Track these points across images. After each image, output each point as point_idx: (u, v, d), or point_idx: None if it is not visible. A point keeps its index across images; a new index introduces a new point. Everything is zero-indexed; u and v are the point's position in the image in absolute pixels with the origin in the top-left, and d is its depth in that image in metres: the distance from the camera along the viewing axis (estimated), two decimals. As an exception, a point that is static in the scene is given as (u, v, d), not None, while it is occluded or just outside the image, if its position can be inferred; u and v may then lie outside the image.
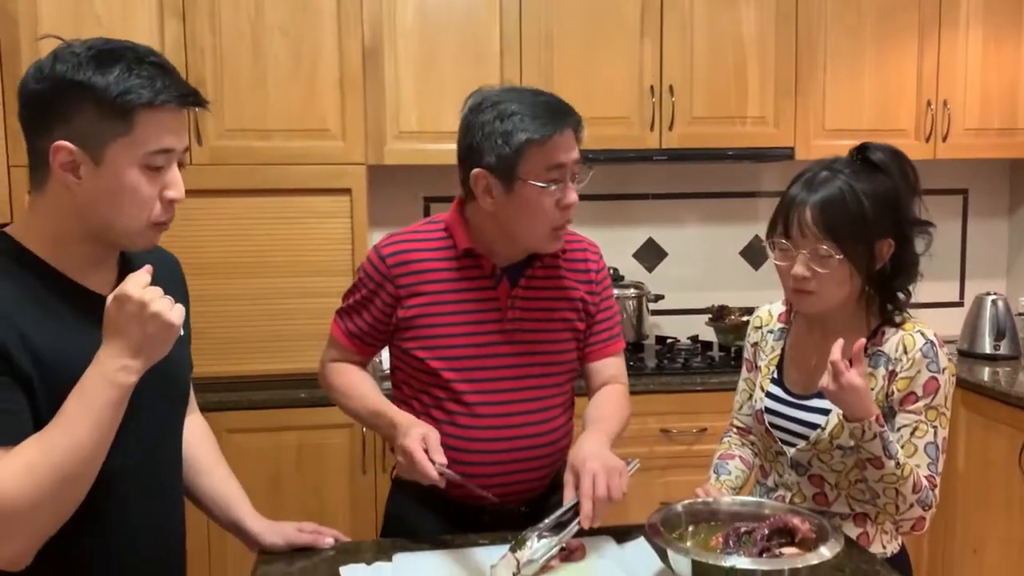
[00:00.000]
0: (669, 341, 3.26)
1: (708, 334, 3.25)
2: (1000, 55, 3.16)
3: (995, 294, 3.17)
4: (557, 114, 1.56)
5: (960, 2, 3.12)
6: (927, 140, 3.15)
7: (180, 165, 1.23)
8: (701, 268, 3.41)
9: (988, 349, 3.12)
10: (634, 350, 3.15)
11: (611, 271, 3.16)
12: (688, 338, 3.29)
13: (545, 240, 1.62)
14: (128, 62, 1.15)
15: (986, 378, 2.86)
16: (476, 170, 1.57)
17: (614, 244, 3.35)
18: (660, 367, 2.99)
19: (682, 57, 3.00)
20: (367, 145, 2.82)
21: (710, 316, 3.22)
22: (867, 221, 1.49)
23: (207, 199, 2.67)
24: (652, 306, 3.29)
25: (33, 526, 1.08)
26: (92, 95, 1.13)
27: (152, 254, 1.29)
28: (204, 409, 1.61)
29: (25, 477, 1.06)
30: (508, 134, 1.52)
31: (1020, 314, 3.41)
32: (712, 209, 3.42)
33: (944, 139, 3.15)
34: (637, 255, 3.42)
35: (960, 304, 3.54)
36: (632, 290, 3.19)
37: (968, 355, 3.16)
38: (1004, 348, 3.11)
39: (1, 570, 1.09)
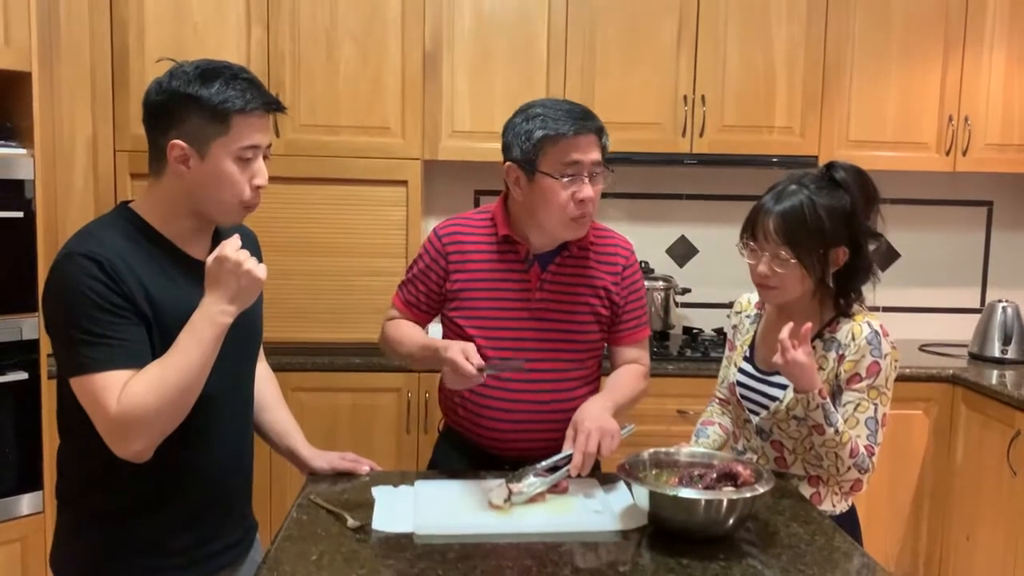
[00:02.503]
0: (694, 332, 3.52)
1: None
2: (1023, 73, 3.31)
3: (1006, 301, 3.34)
4: (576, 118, 1.83)
5: (985, 21, 3.28)
6: (947, 153, 3.33)
7: (265, 158, 1.55)
8: (729, 265, 3.62)
9: (996, 353, 3.30)
10: (660, 338, 3.42)
11: (642, 264, 3.47)
12: (713, 330, 3.54)
13: (564, 228, 1.88)
14: (226, 78, 1.48)
15: (994, 381, 3.04)
16: (507, 163, 1.88)
17: (648, 240, 3.62)
18: (681, 354, 3.26)
19: (715, 69, 3.25)
20: (424, 142, 3.15)
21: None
22: (823, 232, 1.75)
23: (282, 185, 3.01)
24: (682, 299, 3.55)
25: (155, 428, 1.42)
26: (199, 104, 1.46)
27: (237, 229, 1.62)
28: (274, 369, 1.93)
29: (151, 390, 1.39)
30: (530, 132, 1.83)
31: (1036, 322, 3.57)
32: (742, 211, 3.59)
33: (964, 153, 3.33)
34: (669, 251, 3.68)
35: (979, 311, 3.69)
36: (661, 283, 3.46)
37: (977, 358, 3.35)
38: (1012, 352, 3.28)
39: (128, 461, 1.43)
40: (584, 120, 1.84)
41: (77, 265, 1.42)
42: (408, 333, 2.00)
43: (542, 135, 1.81)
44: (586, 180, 1.84)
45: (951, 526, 3.14)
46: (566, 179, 1.82)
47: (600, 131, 1.87)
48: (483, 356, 1.89)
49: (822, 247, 1.75)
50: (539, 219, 1.89)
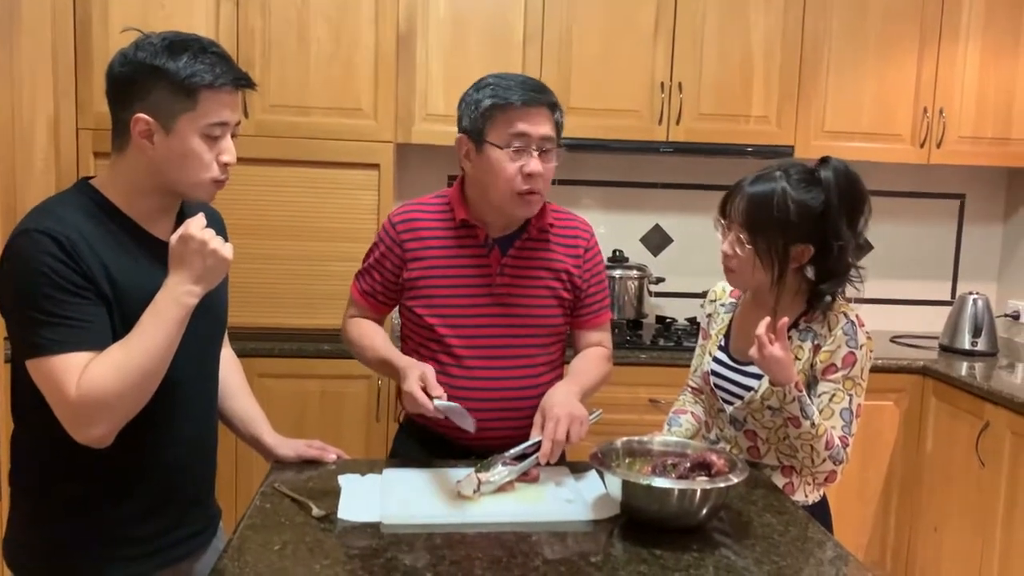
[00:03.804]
0: (667, 321, 3.51)
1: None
2: (997, 67, 3.33)
3: (977, 294, 3.36)
4: (527, 89, 1.78)
5: (961, 15, 3.29)
6: (922, 145, 3.34)
7: (233, 136, 1.50)
8: (704, 255, 3.63)
9: (967, 345, 3.32)
10: (633, 327, 3.41)
11: (617, 252, 3.44)
12: (686, 319, 3.53)
13: (512, 204, 1.82)
14: (194, 51, 1.42)
15: (963, 372, 3.06)
16: (458, 135, 1.84)
17: (622, 228, 3.60)
18: (654, 343, 3.24)
19: (692, 57, 3.22)
20: (396, 125, 3.10)
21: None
22: (786, 225, 1.71)
23: (251, 167, 2.94)
24: (655, 288, 3.53)
25: (117, 412, 1.37)
26: (166, 77, 1.40)
27: (202, 208, 1.57)
28: (240, 355, 1.88)
29: (113, 373, 1.34)
30: (479, 101, 1.79)
31: (1006, 315, 3.61)
32: (717, 200, 3.58)
33: (938, 145, 3.34)
34: (644, 239, 3.66)
35: (950, 303, 3.72)
36: (635, 271, 3.44)
37: (948, 350, 3.37)
38: (981, 344, 3.31)
39: (88, 447, 1.38)
40: (535, 92, 1.79)
41: (34, 242, 1.36)
42: (368, 337, 1.94)
43: (490, 104, 1.78)
44: (535, 154, 1.79)
45: (919, 517, 3.16)
46: (512, 150, 1.77)
47: (553, 106, 1.82)
48: (446, 344, 1.87)
49: (782, 240, 1.72)
50: (489, 195, 1.84)
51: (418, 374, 1.69)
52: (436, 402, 1.65)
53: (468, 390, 1.87)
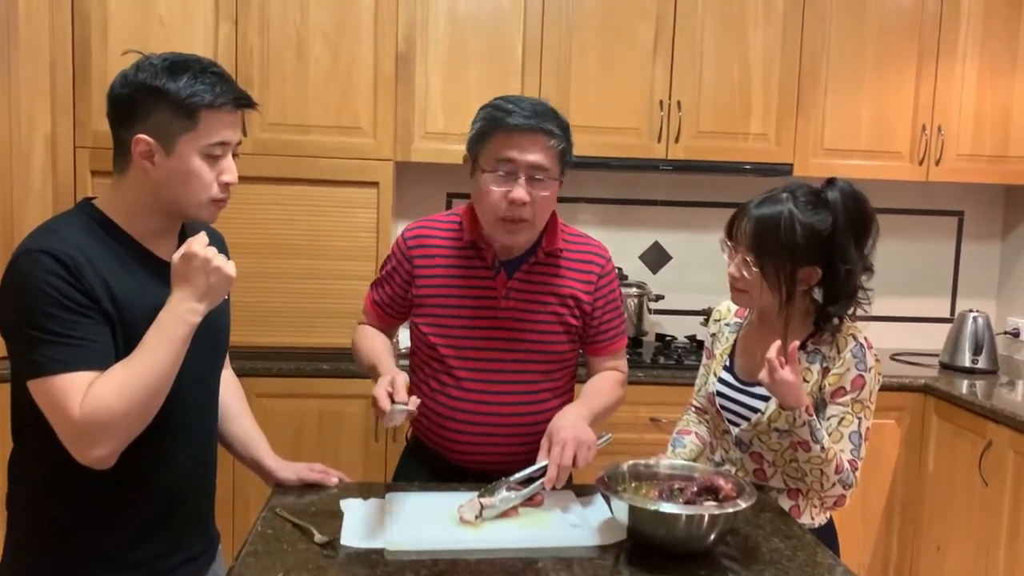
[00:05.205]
0: (667, 339, 3.50)
1: (704, 333, 3.48)
2: (994, 85, 3.33)
3: (977, 311, 3.36)
4: (526, 116, 1.72)
5: (958, 33, 3.30)
6: (920, 163, 3.34)
7: (234, 155, 1.49)
8: (703, 272, 3.63)
9: (967, 363, 3.31)
10: (633, 345, 3.38)
11: (616, 270, 3.42)
12: (686, 337, 3.52)
13: (496, 229, 1.80)
14: (194, 71, 1.42)
15: (964, 390, 3.05)
16: (465, 154, 1.84)
17: (622, 245, 3.59)
18: (655, 361, 3.22)
19: (691, 75, 3.22)
20: (396, 143, 3.09)
21: (704, 317, 3.44)
22: (793, 248, 1.70)
23: (250, 185, 2.90)
24: (655, 305, 3.52)
25: (121, 432, 1.35)
26: (166, 97, 1.40)
27: (203, 227, 1.56)
28: (238, 374, 1.87)
29: (117, 392, 1.33)
30: (476, 122, 1.79)
31: (1006, 333, 3.60)
32: (716, 218, 3.63)
33: (937, 163, 3.34)
34: (643, 257, 3.65)
35: (950, 320, 3.71)
36: (634, 289, 3.43)
37: (948, 367, 3.36)
38: (982, 362, 3.30)
39: (87, 468, 1.36)
40: (533, 118, 1.72)
41: (36, 262, 1.35)
42: (368, 340, 1.93)
43: (482, 127, 1.77)
44: (521, 181, 1.74)
45: (922, 536, 3.14)
46: (499, 174, 1.75)
47: (551, 133, 1.74)
48: (447, 365, 1.85)
49: (790, 263, 1.71)
50: (479, 216, 1.83)
51: (388, 379, 1.65)
52: (394, 406, 1.59)
53: (465, 412, 1.86)
